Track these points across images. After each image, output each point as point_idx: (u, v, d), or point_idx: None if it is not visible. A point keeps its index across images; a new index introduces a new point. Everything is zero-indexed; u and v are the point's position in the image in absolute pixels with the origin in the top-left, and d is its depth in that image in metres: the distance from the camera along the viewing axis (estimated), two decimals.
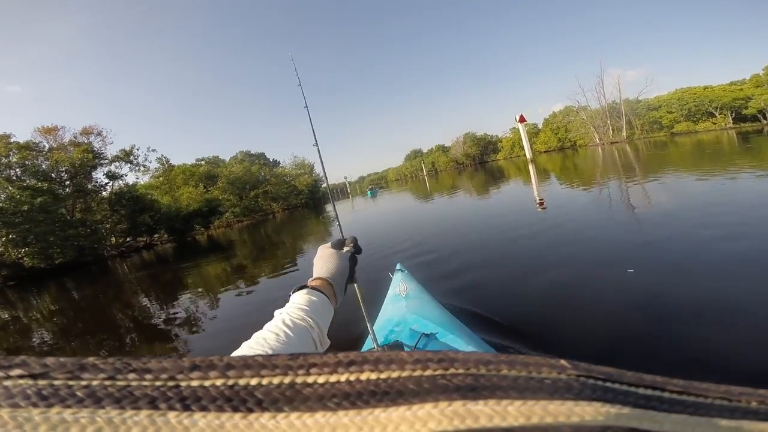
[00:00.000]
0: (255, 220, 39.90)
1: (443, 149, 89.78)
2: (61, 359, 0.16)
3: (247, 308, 5.50)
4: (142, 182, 42.40)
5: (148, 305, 7.59)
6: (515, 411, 0.16)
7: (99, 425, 0.14)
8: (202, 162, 51.57)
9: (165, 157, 46.14)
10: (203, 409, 0.15)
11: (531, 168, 23.82)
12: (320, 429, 0.15)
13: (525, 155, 34.73)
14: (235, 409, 0.15)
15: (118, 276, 14.79)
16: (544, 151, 56.81)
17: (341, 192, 78.06)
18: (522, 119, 31.10)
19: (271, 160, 65.78)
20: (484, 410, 0.16)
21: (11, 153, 24.65)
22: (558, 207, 7.84)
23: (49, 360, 0.16)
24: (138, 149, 36.20)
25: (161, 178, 44.14)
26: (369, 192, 42.48)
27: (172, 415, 0.15)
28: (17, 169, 24.42)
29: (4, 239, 18.75)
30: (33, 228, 19.60)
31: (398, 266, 2.92)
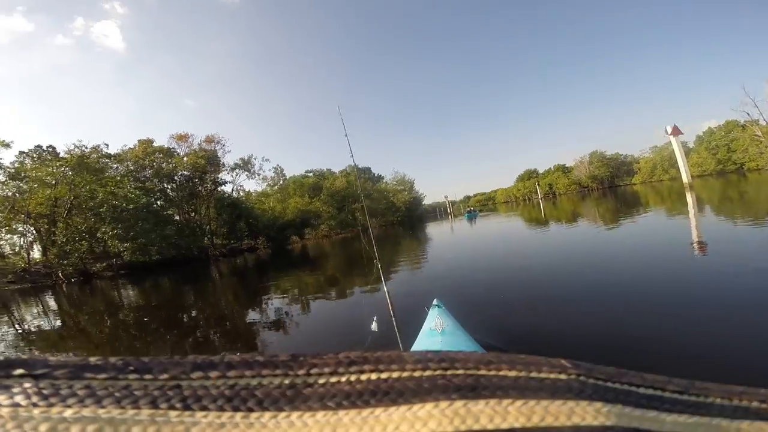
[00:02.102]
0: (353, 233, 40.31)
1: (564, 170, 79.21)
2: (63, 359, 0.17)
3: (330, 318, 5.67)
4: (259, 190, 47.62)
5: (232, 305, 8.19)
6: (516, 411, 0.16)
7: (100, 425, 0.14)
8: (311, 174, 55.11)
9: (280, 167, 50.89)
10: (204, 408, 0.15)
11: (689, 196, 17.75)
12: (321, 428, 0.15)
13: (679, 178, 26.87)
14: (236, 409, 0.15)
15: (215, 275, 16.06)
16: (698, 176, 44.97)
17: (443, 212, 75.36)
18: (676, 131, 23.82)
19: (375, 175, 67.08)
20: (484, 410, 0.16)
21: (153, 155, 28.35)
22: (729, 253, 5.56)
23: (51, 359, 0.17)
24: (255, 158, 39.54)
25: (276, 187, 48.79)
26: (466, 215, 38.44)
27: (173, 414, 0.15)
28: (148, 171, 27.84)
29: (111, 233, 20.85)
30: (135, 225, 21.38)
31: (435, 302, 3.03)
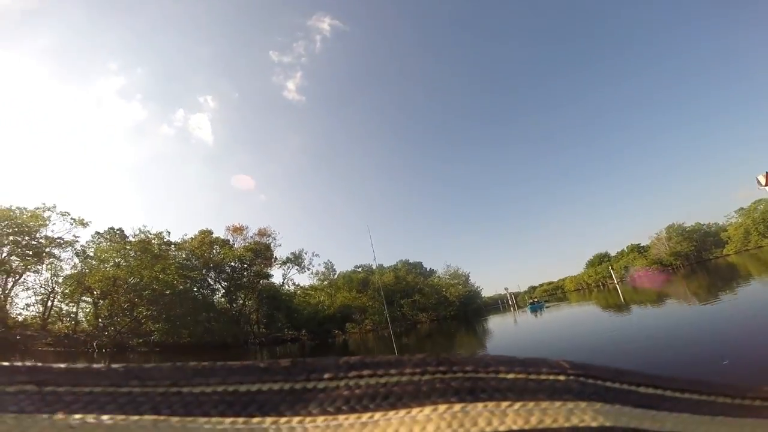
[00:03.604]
0: (403, 328, 38.00)
1: (639, 249, 70.96)
2: (66, 366, 0.17)
3: None
4: (312, 283, 48.09)
5: None
6: (514, 413, 0.16)
7: (103, 431, 0.14)
8: (360, 269, 55.18)
9: (330, 263, 51.72)
10: (206, 414, 0.15)
11: None
12: None
13: None
14: (237, 414, 0.15)
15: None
16: None
17: (505, 304, 69.29)
18: None
19: (427, 269, 65.18)
20: (483, 413, 0.16)
21: (209, 245, 30.55)
22: None
23: (54, 367, 0.17)
24: (306, 253, 40.61)
25: (326, 282, 49.18)
26: (529, 306, 34.11)
27: (175, 420, 0.15)
28: (196, 261, 29.59)
29: (146, 312, 21.71)
30: (171, 309, 22.14)
31: None
